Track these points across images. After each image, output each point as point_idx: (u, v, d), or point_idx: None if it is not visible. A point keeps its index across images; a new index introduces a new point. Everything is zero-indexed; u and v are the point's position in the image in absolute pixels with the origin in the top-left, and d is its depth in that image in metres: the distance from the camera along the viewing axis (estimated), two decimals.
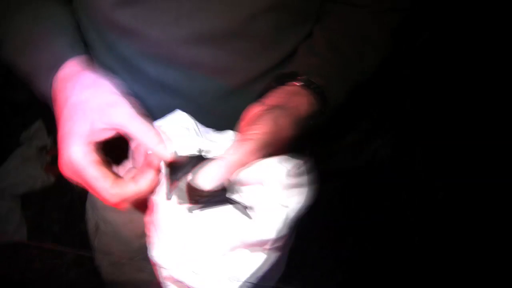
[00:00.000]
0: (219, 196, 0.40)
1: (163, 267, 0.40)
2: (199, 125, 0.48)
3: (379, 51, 0.57)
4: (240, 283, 0.39)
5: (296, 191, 0.41)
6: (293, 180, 0.40)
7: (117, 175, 0.42)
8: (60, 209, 1.57)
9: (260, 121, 0.42)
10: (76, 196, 1.56)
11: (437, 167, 1.56)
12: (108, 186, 0.39)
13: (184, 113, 0.50)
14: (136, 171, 0.43)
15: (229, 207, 0.39)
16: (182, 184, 0.40)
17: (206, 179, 0.38)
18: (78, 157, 0.39)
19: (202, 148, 0.43)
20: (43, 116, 1.71)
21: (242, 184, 0.40)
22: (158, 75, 0.56)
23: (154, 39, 0.53)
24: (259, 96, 0.49)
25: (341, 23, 0.56)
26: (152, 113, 0.46)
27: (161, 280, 0.42)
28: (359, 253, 1.37)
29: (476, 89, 1.55)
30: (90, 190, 0.41)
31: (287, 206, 0.39)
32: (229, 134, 0.46)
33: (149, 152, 0.40)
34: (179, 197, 0.40)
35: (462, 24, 1.41)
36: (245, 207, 0.39)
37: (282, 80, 0.51)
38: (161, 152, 0.39)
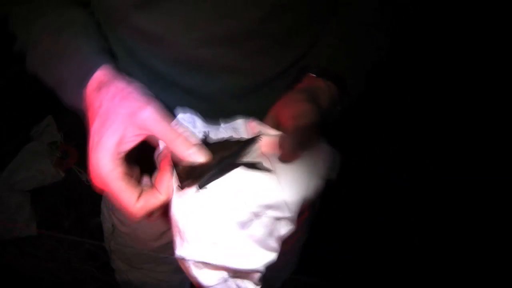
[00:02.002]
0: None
1: (191, 259, 0.40)
2: (202, 121, 0.49)
3: (388, 34, 0.59)
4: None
5: (322, 161, 0.41)
6: (320, 151, 0.41)
7: (144, 188, 0.42)
8: (70, 205, 1.58)
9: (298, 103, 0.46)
10: (85, 192, 1.58)
11: (441, 167, 1.56)
12: (133, 201, 0.40)
13: (187, 113, 0.50)
14: (154, 181, 0.43)
15: (249, 171, 0.40)
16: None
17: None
18: (105, 170, 0.40)
19: (206, 132, 0.45)
20: (53, 111, 1.71)
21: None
22: (176, 77, 0.56)
23: (171, 42, 0.52)
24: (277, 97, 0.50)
25: (351, 13, 0.58)
26: (172, 114, 0.46)
27: (189, 268, 0.42)
28: (359, 253, 1.38)
29: (482, 91, 1.55)
30: (116, 203, 0.42)
31: (312, 172, 0.39)
32: (238, 122, 0.48)
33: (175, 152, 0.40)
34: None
35: (471, 23, 1.41)
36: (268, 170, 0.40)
37: (298, 78, 0.53)
38: (181, 149, 0.40)
